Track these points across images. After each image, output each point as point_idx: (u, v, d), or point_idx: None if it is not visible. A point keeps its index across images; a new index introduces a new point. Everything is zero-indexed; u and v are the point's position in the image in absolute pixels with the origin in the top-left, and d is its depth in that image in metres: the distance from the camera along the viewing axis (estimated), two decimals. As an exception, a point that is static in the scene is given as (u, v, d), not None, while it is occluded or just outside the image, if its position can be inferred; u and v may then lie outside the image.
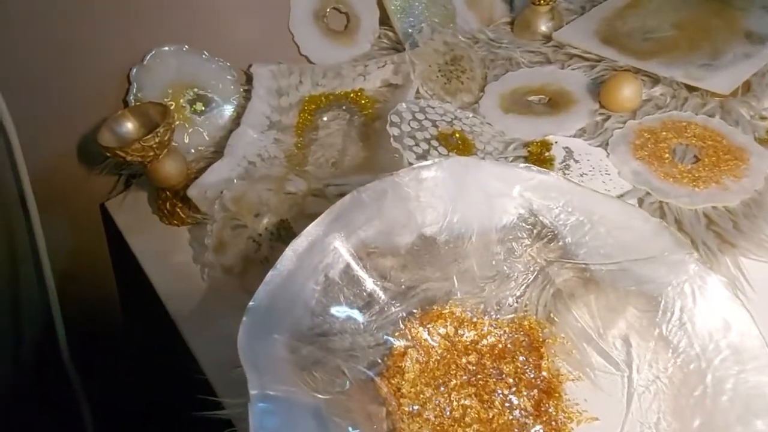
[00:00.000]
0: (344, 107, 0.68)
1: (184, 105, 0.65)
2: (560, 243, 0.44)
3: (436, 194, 0.39)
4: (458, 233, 0.41)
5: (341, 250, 0.40)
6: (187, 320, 0.51)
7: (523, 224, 0.45)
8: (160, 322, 0.56)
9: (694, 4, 0.71)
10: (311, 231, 0.39)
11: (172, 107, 0.64)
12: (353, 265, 0.40)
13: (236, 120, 0.68)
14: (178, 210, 0.58)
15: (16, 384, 0.68)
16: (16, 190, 0.59)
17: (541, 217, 0.45)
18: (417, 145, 0.55)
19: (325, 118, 0.68)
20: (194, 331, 0.50)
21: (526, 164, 0.45)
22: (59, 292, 0.63)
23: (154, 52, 0.63)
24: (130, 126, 0.55)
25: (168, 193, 0.58)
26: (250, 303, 0.36)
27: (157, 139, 0.51)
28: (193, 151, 0.65)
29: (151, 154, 0.52)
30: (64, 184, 0.64)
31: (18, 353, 0.67)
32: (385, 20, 0.78)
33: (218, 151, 0.66)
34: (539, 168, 0.45)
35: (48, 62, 0.58)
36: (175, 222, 0.59)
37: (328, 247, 0.40)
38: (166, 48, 0.64)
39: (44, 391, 0.70)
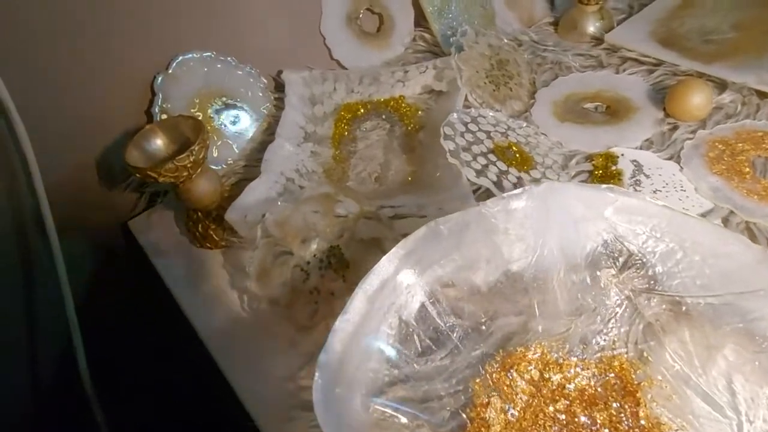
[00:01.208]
0: (384, 116, 0.64)
1: (212, 116, 0.60)
2: (649, 272, 0.40)
3: (525, 225, 0.35)
4: (546, 267, 0.37)
5: (415, 288, 0.35)
6: (228, 356, 0.46)
7: (608, 252, 0.40)
8: (193, 355, 0.52)
9: (752, 5, 0.66)
10: (382, 268, 0.35)
11: (199, 118, 0.60)
12: (428, 305, 0.36)
13: (267, 131, 0.63)
14: (212, 232, 0.53)
15: (35, 413, 0.64)
16: (33, 206, 0.54)
17: (627, 244, 0.40)
18: (474, 159, 0.50)
19: (363, 128, 0.63)
20: (237, 368, 0.45)
21: (609, 185, 0.40)
22: (79, 315, 0.58)
23: (179, 59, 0.58)
24: (159, 142, 0.50)
25: (200, 214, 0.53)
26: (322, 356, 0.31)
27: (192, 158, 0.47)
28: (223, 165, 0.60)
29: (185, 174, 0.48)
30: (83, 201, 0.59)
31: (37, 380, 0.63)
32: (419, 21, 0.74)
33: (249, 165, 0.61)
34: (622, 189, 0.41)
35: (66, 71, 0.53)
36: (208, 245, 0.54)
37: (400, 285, 0.35)
38: (192, 55, 0.59)
39: (64, 418, 0.65)
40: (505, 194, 0.35)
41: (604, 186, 0.41)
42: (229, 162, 0.61)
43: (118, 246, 0.62)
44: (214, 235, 0.53)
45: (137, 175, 0.47)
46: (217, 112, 0.61)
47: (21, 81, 0.49)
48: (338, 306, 0.46)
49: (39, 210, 0.54)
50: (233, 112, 0.61)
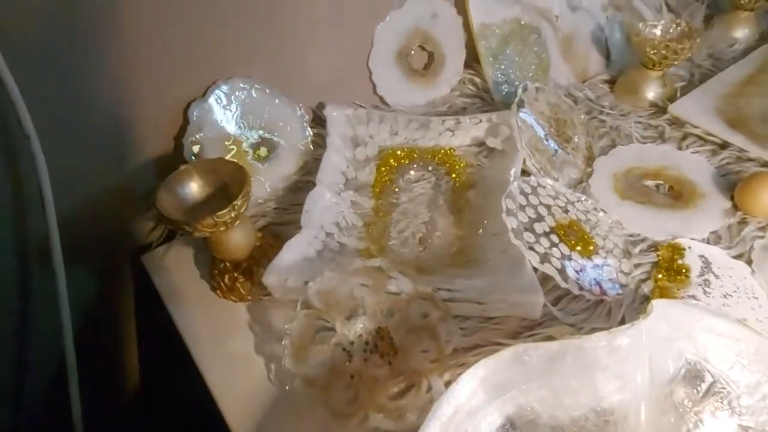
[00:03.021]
0: (430, 167, 0.59)
1: (246, 150, 0.55)
2: (733, 404, 0.37)
3: (628, 362, 0.31)
4: (637, 404, 0.33)
5: (491, 413, 0.31)
6: (250, 434, 0.42)
7: (690, 376, 0.37)
8: (206, 423, 0.47)
9: (820, 88, 0.64)
10: (458, 391, 0.30)
11: (233, 152, 0.55)
12: (503, 432, 0.32)
13: (302, 170, 0.58)
14: (239, 285, 0.48)
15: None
16: (40, 230, 0.49)
17: (710, 368, 0.37)
18: (538, 241, 0.46)
19: (407, 178, 0.58)
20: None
21: (696, 301, 0.37)
22: (78, 355, 0.53)
23: (218, 86, 0.53)
24: (194, 186, 0.45)
25: (227, 264, 0.48)
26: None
27: (233, 214, 0.42)
28: (252, 205, 0.55)
29: (222, 228, 0.43)
30: (95, 228, 0.53)
31: (23, 424, 0.57)
32: (470, 63, 0.70)
33: (280, 207, 0.56)
34: (710, 307, 0.37)
35: (93, 89, 0.47)
36: (233, 298, 0.49)
37: (475, 410, 0.31)
38: (230, 81, 0.54)
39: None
40: (612, 329, 0.31)
41: (692, 302, 0.37)
42: (259, 202, 0.56)
43: (129, 282, 0.57)
44: (241, 289, 0.48)
45: (170, 225, 0.42)
46: (253, 146, 0.56)
47: (40, 90, 0.44)
48: (380, 395, 0.42)
49: (47, 234, 0.48)
50: (269, 147, 0.56)
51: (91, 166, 0.50)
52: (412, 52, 0.65)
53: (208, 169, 0.46)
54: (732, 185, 0.54)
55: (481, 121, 0.60)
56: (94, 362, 0.55)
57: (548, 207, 0.51)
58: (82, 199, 0.51)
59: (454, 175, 0.58)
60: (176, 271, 0.53)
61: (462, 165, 0.59)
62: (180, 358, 0.49)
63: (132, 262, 0.56)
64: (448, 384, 0.31)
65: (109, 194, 0.53)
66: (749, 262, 0.49)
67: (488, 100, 0.67)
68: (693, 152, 0.59)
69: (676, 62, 0.63)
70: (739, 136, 0.58)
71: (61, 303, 0.51)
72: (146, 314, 0.58)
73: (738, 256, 0.49)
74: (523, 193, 0.50)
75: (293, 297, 0.44)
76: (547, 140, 0.57)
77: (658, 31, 0.64)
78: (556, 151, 0.57)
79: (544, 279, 0.47)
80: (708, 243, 0.50)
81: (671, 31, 0.64)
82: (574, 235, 0.49)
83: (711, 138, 0.59)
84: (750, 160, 0.57)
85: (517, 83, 0.61)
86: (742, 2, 0.72)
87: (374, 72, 0.64)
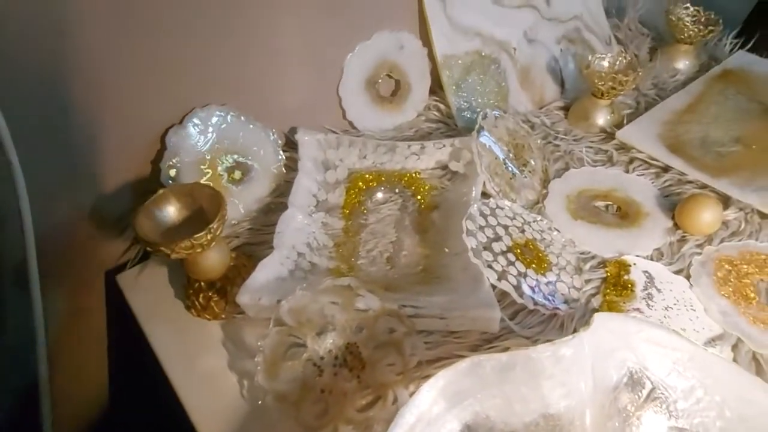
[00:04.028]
0: (396, 189, 0.62)
1: (221, 173, 0.57)
2: (670, 408, 0.40)
3: (571, 371, 0.34)
4: (581, 407, 0.36)
5: (450, 420, 0.34)
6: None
7: (631, 383, 0.40)
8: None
9: (751, 118, 0.70)
10: (420, 400, 0.33)
11: (208, 175, 0.57)
12: (461, 438, 0.34)
13: (275, 192, 0.61)
14: (213, 304, 0.50)
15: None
16: (16, 252, 0.49)
17: (650, 375, 0.41)
18: (495, 260, 0.49)
19: (375, 200, 0.61)
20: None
21: (635, 315, 0.41)
22: (51, 378, 0.53)
23: (194, 113, 0.55)
24: (171, 210, 0.47)
25: (202, 284, 0.50)
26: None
27: (209, 236, 0.44)
28: (226, 226, 0.57)
29: (199, 250, 0.45)
30: (70, 249, 0.54)
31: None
32: (435, 90, 0.74)
33: (254, 228, 0.59)
34: (648, 320, 0.41)
35: (73, 114, 0.49)
36: (207, 316, 0.51)
37: (435, 418, 0.34)
38: (208, 109, 0.56)
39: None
40: (556, 340, 0.34)
41: (632, 315, 0.41)
42: (233, 223, 0.58)
43: (103, 302, 0.57)
44: (215, 307, 0.50)
45: (148, 247, 0.44)
46: (227, 169, 0.58)
47: (22, 116, 0.45)
48: (349, 408, 0.45)
49: (24, 254, 0.49)
50: (243, 170, 0.59)
51: (70, 189, 0.52)
52: (380, 80, 0.69)
53: (185, 193, 0.48)
54: (673, 206, 0.59)
55: (444, 145, 0.64)
56: (66, 379, 0.55)
57: (506, 227, 0.54)
58: (60, 220, 0.52)
59: (419, 197, 0.61)
60: (151, 291, 0.55)
61: (427, 188, 0.62)
62: (153, 375, 0.50)
63: (107, 282, 0.57)
64: (413, 395, 0.34)
65: (87, 216, 0.54)
66: (688, 277, 0.53)
67: (452, 125, 0.71)
68: (638, 175, 0.64)
69: (622, 92, 0.68)
70: (678, 160, 0.63)
71: (35, 321, 0.51)
72: (120, 333, 0.59)
73: (678, 272, 0.54)
74: (482, 214, 0.54)
75: (266, 315, 0.46)
76: (506, 164, 0.61)
77: (606, 64, 0.70)
78: (514, 174, 0.61)
79: (503, 295, 0.50)
80: (651, 259, 0.55)
81: (618, 63, 0.70)
82: (530, 254, 0.53)
83: (654, 162, 0.64)
84: (689, 182, 0.62)
85: (479, 110, 0.65)
86: (683, 36, 0.79)
87: (344, 99, 0.67)
